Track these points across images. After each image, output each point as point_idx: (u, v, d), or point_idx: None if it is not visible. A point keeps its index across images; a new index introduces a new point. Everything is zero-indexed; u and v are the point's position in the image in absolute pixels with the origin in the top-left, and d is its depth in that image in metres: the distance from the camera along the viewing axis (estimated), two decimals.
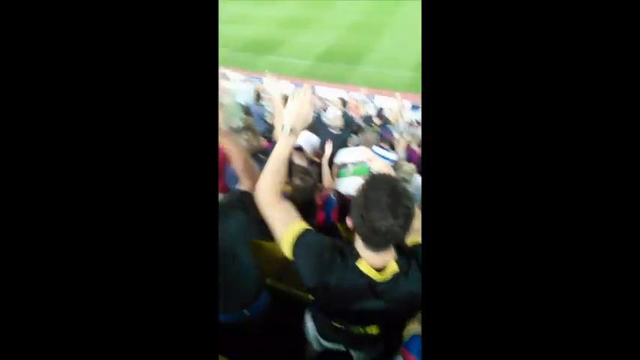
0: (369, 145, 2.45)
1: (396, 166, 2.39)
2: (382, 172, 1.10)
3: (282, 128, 1.03)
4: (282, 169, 1.05)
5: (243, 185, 1.30)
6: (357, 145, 2.50)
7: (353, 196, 0.94)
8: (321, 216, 2.16)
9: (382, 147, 3.52)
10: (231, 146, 1.25)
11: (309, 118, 1.07)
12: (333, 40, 17.58)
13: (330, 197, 2.22)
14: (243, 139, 1.76)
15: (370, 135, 2.42)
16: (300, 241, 0.98)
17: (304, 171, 1.72)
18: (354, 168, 1.19)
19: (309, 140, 3.99)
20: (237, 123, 3.46)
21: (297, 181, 1.66)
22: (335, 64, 15.57)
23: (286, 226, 1.00)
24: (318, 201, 2.00)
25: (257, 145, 1.85)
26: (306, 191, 1.63)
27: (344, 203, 1.57)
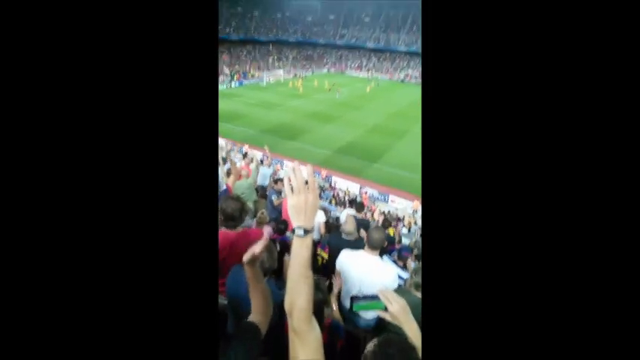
0: (376, 244, 2.22)
1: (417, 269, 2.16)
2: (397, 319, 1.07)
3: (294, 232, 0.96)
4: (309, 277, 0.96)
5: (253, 312, 1.23)
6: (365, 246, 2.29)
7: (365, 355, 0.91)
8: (324, 337, 1.89)
9: (396, 263, 3.24)
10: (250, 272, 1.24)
11: (317, 205, 0.98)
12: (354, 138, 18.76)
13: (338, 324, 1.99)
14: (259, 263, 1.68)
15: (377, 234, 2.20)
16: None
17: (315, 286, 1.57)
18: (369, 303, 1.13)
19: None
20: (250, 206, 3.37)
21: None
22: (353, 157, 16.26)
23: None
24: (325, 322, 1.86)
25: (272, 265, 1.73)
26: (315, 305, 1.46)
27: (351, 340, 1.55)
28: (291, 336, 0.96)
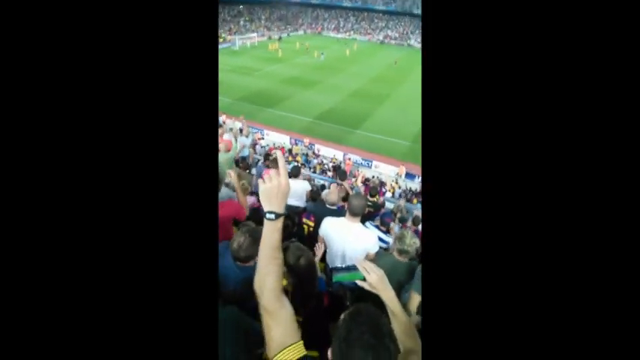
0: (356, 211, 2.25)
1: (400, 235, 2.23)
2: (375, 287, 1.12)
3: (265, 215, 1.01)
4: (278, 258, 1.03)
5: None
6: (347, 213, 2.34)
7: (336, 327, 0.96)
8: (327, 301, 2.02)
9: (379, 228, 3.29)
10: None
11: (287, 191, 1.02)
12: (335, 104, 18.35)
13: (322, 281, 2.03)
14: (237, 241, 1.68)
15: (357, 201, 2.27)
16: None
17: (300, 250, 1.62)
18: (349, 274, 1.19)
19: (297, 194, 3.84)
20: (227, 178, 3.26)
21: (292, 261, 1.57)
22: (335, 125, 16.01)
23: (281, 349, 0.96)
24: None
25: (249, 252, 1.71)
26: (305, 269, 1.55)
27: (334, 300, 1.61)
28: (264, 315, 1.01)
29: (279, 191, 1.01)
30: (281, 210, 1.01)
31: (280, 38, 35.61)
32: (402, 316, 1.09)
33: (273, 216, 1.00)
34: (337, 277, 1.16)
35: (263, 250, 1.04)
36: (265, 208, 1.01)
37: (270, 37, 36.11)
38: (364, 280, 1.13)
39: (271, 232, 1.02)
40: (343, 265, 1.19)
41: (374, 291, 1.13)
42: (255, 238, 1.60)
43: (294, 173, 3.86)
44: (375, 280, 1.14)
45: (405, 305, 1.82)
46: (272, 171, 1.00)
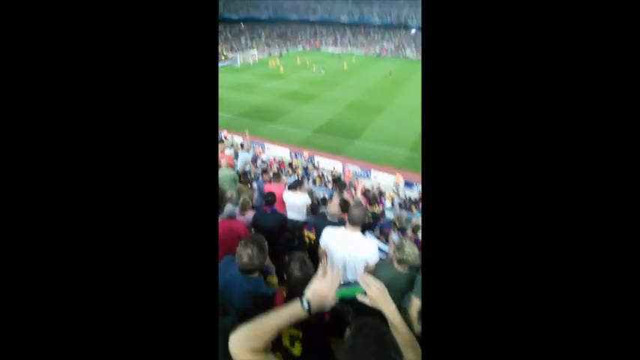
0: (356, 221, 2.26)
1: (399, 245, 2.20)
2: (376, 302, 1.10)
3: (302, 303, 1.02)
4: (270, 335, 1.00)
5: None
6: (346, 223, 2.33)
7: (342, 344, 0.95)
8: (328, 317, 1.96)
9: (379, 238, 3.30)
10: None
11: (328, 304, 1.05)
12: (333, 116, 18.62)
13: None
14: (247, 254, 1.66)
15: (357, 210, 2.26)
16: None
17: (301, 261, 1.62)
18: (350, 289, 1.17)
19: (297, 208, 3.91)
20: (232, 193, 3.36)
21: (295, 272, 1.60)
22: (333, 136, 16.23)
23: None
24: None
25: (261, 262, 1.71)
26: (303, 283, 1.49)
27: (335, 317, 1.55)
28: None
29: (326, 297, 1.03)
30: (314, 308, 1.02)
31: (281, 55, 36.29)
32: (403, 329, 1.07)
33: (306, 306, 1.01)
34: (339, 293, 1.12)
35: (268, 322, 1.01)
36: (308, 295, 1.03)
37: (270, 54, 36.80)
38: (365, 294, 1.12)
39: (289, 314, 1.02)
40: (342, 282, 1.16)
41: (375, 305, 1.11)
42: (261, 247, 1.62)
43: (294, 186, 3.95)
44: (376, 294, 1.13)
45: (405, 310, 1.81)
46: (329, 269, 1.05)
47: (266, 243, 1.67)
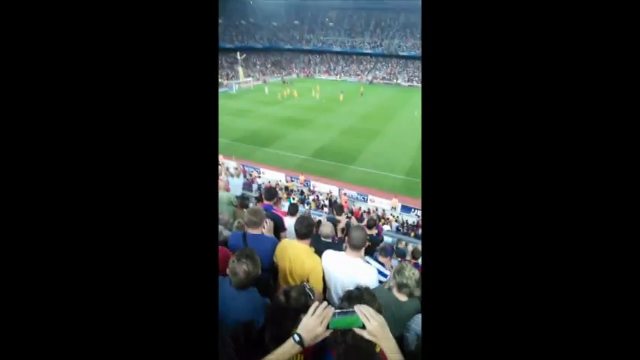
0: (357, 243, 2.23)
1: (399, 268, 2.15)
2: (375, 336, 1.05)
3: (294, 338, 1.05)
4: None
5: None
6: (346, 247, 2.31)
7: None
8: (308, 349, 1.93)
9: (379, 262, 3.25)
10: None
11: (321, 336, 1.06)
12: (328, 141, 18.83)
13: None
14: (242, 269, 1.66)
15: (357, 233, 2.24)
16: None
17: (302, 291, 1.64)
18: (346, 318, 1.12)
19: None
20: (228, 216, 3.28)
21: (293, 294, 1.61)
22: (329, 160, 16.31)
23: None
24: None
25: (256, 272, 1.72)
26: (304, 306, 1.54)
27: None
28: None
29: (317, 331, 1.04)
30: (307, 341, 1.04)
31: (285, 82, 37.01)
32: None
33: (298, 339, 1.04)
34: (334, 322, 1.08)
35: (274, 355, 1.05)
36: (299, 330, 1.05)
37: (265, 81, 37.79)
38: (363, 327, 1.04)
39: (283, 352, 1.05)
40: (337, 311, 1.11)
41: (373, 339, 1.04)
42: (254, 260, 1.64)
43: (291, 212, 3.90)
44: (376, 328, 1.05)
45: (409, 346, 1.73)
46: (320, 307, 1.07)
47: (257, 255, 1.67)
